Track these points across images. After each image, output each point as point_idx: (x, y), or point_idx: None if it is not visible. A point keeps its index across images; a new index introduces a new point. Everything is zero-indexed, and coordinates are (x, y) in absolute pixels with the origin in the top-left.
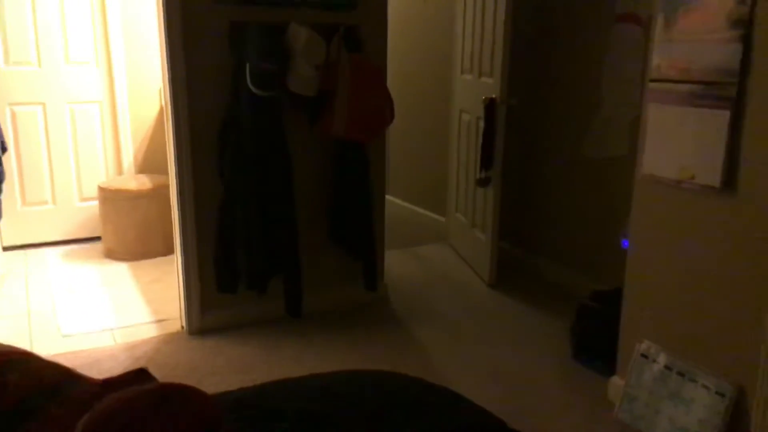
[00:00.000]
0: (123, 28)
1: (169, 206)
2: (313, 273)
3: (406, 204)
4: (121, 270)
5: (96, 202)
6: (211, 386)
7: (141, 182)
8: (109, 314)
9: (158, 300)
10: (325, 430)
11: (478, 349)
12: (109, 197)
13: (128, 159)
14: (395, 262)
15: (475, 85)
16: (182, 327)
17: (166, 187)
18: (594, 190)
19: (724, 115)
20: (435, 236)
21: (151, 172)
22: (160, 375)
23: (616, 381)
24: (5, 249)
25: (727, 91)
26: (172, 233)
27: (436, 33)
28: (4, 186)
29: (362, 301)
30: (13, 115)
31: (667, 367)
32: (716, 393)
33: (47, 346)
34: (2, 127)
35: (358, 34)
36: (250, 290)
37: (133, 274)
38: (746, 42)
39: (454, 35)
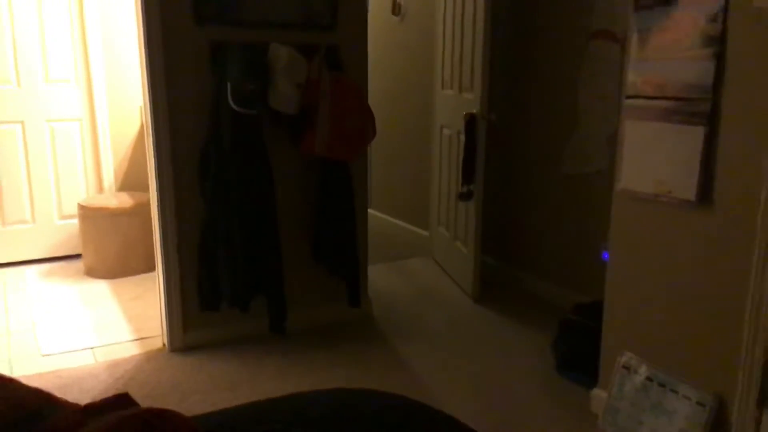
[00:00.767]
0: (103, 46)
1: (150, 224)
2: (297, 290)
3: (389, 218)
4: (101, 288)
5: (76, 220)
6: (193, 404)
7: (121, 200)
8: (89, 333)
9: (139, 318)
10: None
11: (462, 363)
12: (89, 215)
13: (109, 177)
14: (378, 277)
15: (455, 101)
16: (164, 345)
17: (147, 204)
18: (574, 204)
19: (699, 131)
20: (418, 250)
21: (132, 189)
22: (142, 393)
23: (598, 393)
24: None
25: (701, 107)
26: (152, 251)
27: (417, 49)
28: None
29: (346, 318)
30: None
31: (649, 379)
32: (697, 403)
33: (27, 366)
34: None
35: (338, 54)
36: (232, 308)
37: (114, 292)
38: (719, 59)
39: (435, 52)
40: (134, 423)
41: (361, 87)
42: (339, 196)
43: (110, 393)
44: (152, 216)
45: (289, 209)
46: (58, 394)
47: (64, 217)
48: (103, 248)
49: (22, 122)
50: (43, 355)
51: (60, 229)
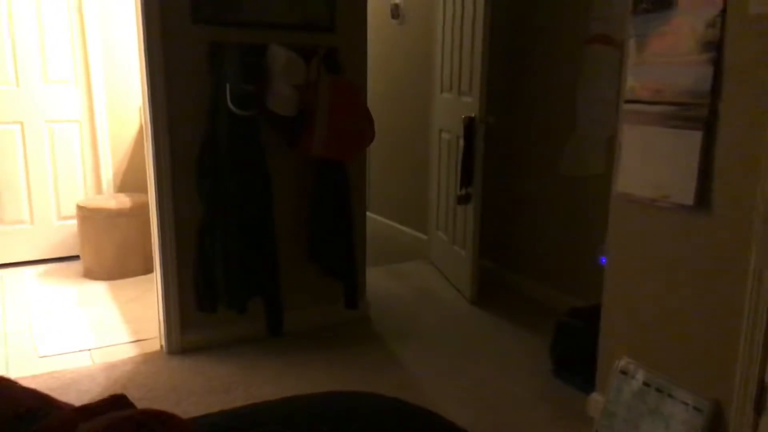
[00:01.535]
0: (102, 46)
1: (149, 225)
2: (294, 292)
3: (387, 221)
4: (99, 289)
5: (74, 221)
6: (190, 406)
7: (120, 201)
8: (87, 334)
9: (137, 319)
10: None
11: (459, 366)
12: (87, 216)
13: (107, 178)
14: (376, 280)
15: (454, 104)
16: (161, 347)
17: (146, 206)
18: (572, 208)
19: (697, 136)
20: (416, 253)
21: (131, 190)
22: (139, 395)
23: (595, 397)
24: None
25: (699, 112)
26: (151, 252)
27: (416, 52)
28: None
29: (343, 320)
30: None
31: (646, 384)
32: (694, 408)
33: (24, 367)
34: None
35: (337, 56)
36: (230, 310)
37: (111, 294)
38: (716, 64)
39: (433, 54)
40: (129, 424)
41: (360, 89)
42: (336, 198)
43: (107, 395)
44: (151, 217)
45: (286, 211)
46: (54, 395)
47: (62, 218)
48: (101, 249)
49: (21, 123)
50: (40, 357)
51: (58, 229)
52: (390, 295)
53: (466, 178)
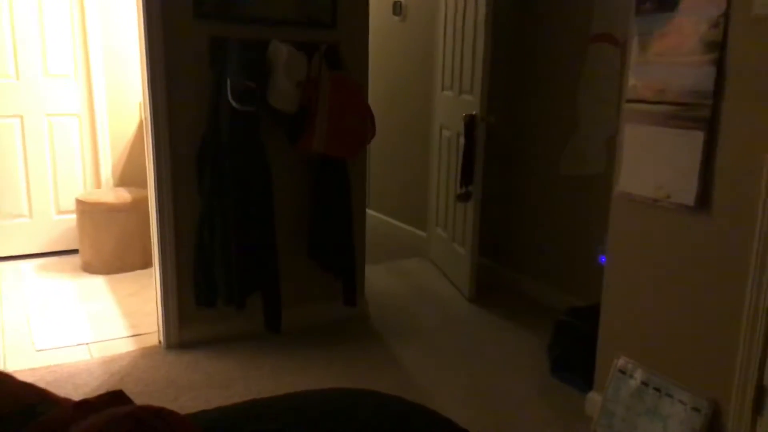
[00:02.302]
0: (103, 41)
1: (148, 220)
2: (293, 288)
3: (387, 218)
4: (98, 283)
5: (73, 215)
6: (188, 402)
7: (119, 195)
8: (85, 328)
9: (136, 314)
10: None
11: (457, 364)
12: (86, 210)
13: (107, 172)
14: (375, 277)
15: (455, 102)
16: (160, 341)
17: (145, 200)
18: (572, 207)
19: (698, 136)
20: (415, 251)
21: (130, 185)
22: (137, 390)
23: (593, 396)
24: None
25: (701, 113)
26: (150, 247)
27: (417, 49)
28: None
29: (342, 317)
30: None
31: (644, 383)
32: (692, 409)
33: (21, 361)
34: None
35: (338, 52)
36: (228, 305)
37: (110, 288)
38: (719, 65)
39: (435, 53)
40: (128, 421)
41: (361, 86)
42: (336, 195)
43: (105, 389)
44: (150, 212)
45: (286, 207)
46: (52, 389)
47: (61, 212)
48: (100, 244)
49: (21, 116)
50: (37, 350)
51: (57, 223)
52: (389, 293)
53: (467, 177)
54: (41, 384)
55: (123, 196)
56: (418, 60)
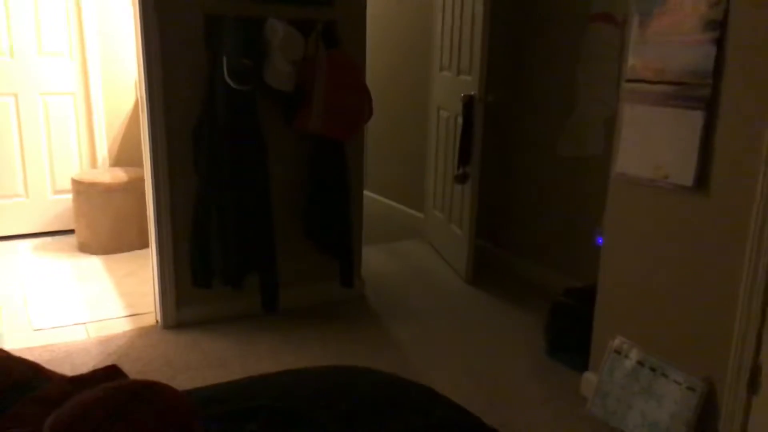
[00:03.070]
0: (98, 19)
1: (144, 199)
2: (290, 268)
3: (383, 199)
4: (94, 263)
5: (69, 195)
6: (185, 381)
7: (115, 175)
8: (82, 308)
9: (132, 294)
10: (296, 429)
11: (454, 345)
12: (82, 190)
13: (102, 152)
14: (372, 258)
15: (453, 83)
16: (157, 321)
17: (141, 180)
18: (569, 188)
19: (698, 116)
20: (412, 232)
21: (126, 165)
22: (134, 369)
23: (589, 376)
24: None
25: (700, 92)
26: (146, 227)
27: (415, 30)
28: None
29: (339, 298)
30: None
31: (640, 363)
32: (687, 388)
33: (18, 340)
34: None
35: (335, 30)
36: (225, 285)
37: (106, 268)
38: (720, 44)
39: (433, 32)
40: (123, 394)
41: (359, 65)
42: (333, 175)
43: None
44: (146, 192)
45: (282, 187)
46: (49, 368)
47: (57, 192)
48: (96, 224)
49: (15, 94)
50: (34, 330)
51: (53, 203)
52: (386, 274)
53: (464, 157)
54: (39, 363)
55: (119, 175)
56: (416, 39)
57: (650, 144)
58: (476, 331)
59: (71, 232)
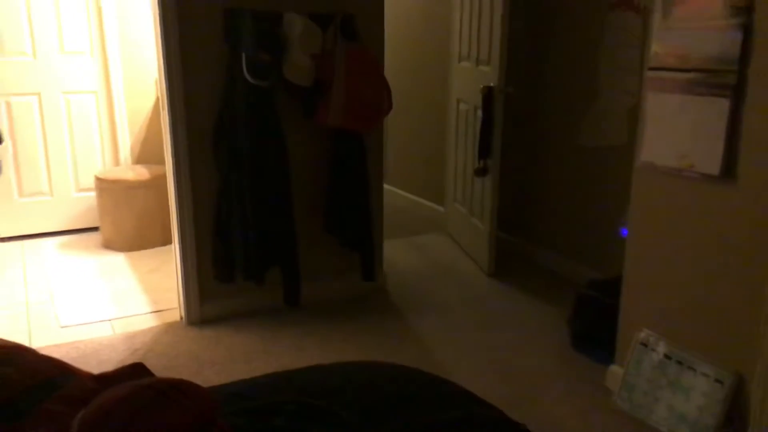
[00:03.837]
0: (118, 17)
1: (167, 196)
2: (312, 262)
3: (404, 193)
4: (118, 260)
5: (93, 193)
6: (210, 376)
7: (138, 172)
8: (107, 304)
9: (157, 290)
10: (322, 424)
11: (477, 338)
12: (106, 188)
13: (125, 149)
14: (394, 252)
15: (472, 74)
16: (181, 317)
17: (164, 177)
18: (593, 179)
19: (724, 104)
20: (433, 226)
21: (148, 162)
22: (159, 365)
23: (614, 369)
24: (2, 240)
25: (726, 80)
26: (169, 223)
27: (434, 21)
28: (2, 177)
29: (361, 291)
30: (8, 106)
31: (667, 356)
32: (715, 381)
33: (45, 337)
34: None
35: (354, 23)
36: (248, 280)
37: (131, 265)
38: (746, 30)
39: (452, 23)
40: (148, 392)
41: (377, 58)
42: (353, 169)
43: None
44: (168, 188)
45: (303, 182)
46: (76, 365)
47: (81, 190)
48: (120, 221)
49: (38, 94)
50: (61, 327)
51: (77, 201)
52: (407, 268)
53: (484, 150)
54: (66, 359)
55: (141, 173)
56: (435, 31)
57: (675, 133)
58: (499, 324)
59: (95, 229)
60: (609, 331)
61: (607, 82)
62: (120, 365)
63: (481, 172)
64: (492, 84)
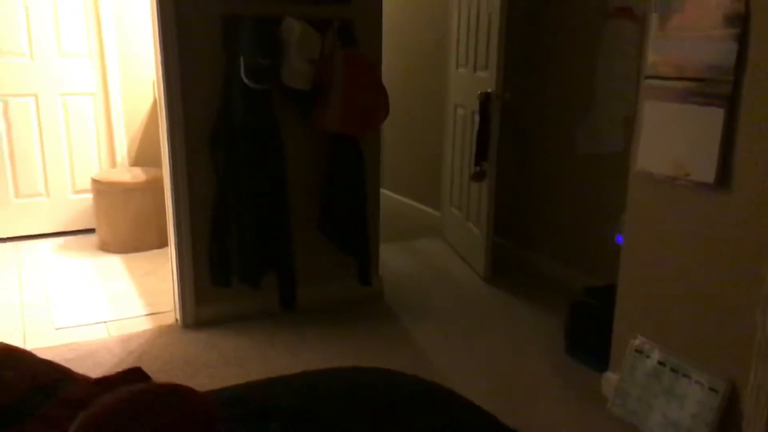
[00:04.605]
0: (116, 19)
1: (163, 199)
2: (308, 267)
3: (400, 198)
4: (114, 262)
5: (89, 195)
6: (205, 379)
7: (135, 175)
8: (103, 307)
9: (152, 293)
10: (316, 430)
11: (472, 343)
12: (102, 190)
13: (122, 151)
14: (390, 256)
15: (470, 80)
16: (176, 320)
17: (160, 179)
18: (589, 186)
19: (719, 113)
20: (430, 230)
21: (145, 164)
22: (154, 368)
23: (609, 376)
24: None
25: (722, 89)
26: (165, 226)
27: (431, 27)
28: None
29: (357, 296)
30: (5, 107)
31: (661, 363)
32: (709, 389)
33: (41, 339)
34: None
35: (352, 29)
36: (243, 284)
37: (127, 267)
38: (741, 40)
39: (449, 29)
40: (147, 397)
41: (375, 63)
42: (350, 174)
43: (123, 367)
44: (165, 191)
45: (300, 186)
46: (71, 367)
47: (77, 192)
48: (116, 223)
49: (35, 95)
50: (56, 329)
51: (73, 203)
52: (403, 272)
53: (481, 155)
54: (61, 362)
55: (138, 175)
56: (432, 36)
57: (671, 141)
58: (495, 329)
59: (91, 231)
60: (604, 338)
61: (603, 89)
62: (115, 368)
63: (477, 177)
64: (489, 90)
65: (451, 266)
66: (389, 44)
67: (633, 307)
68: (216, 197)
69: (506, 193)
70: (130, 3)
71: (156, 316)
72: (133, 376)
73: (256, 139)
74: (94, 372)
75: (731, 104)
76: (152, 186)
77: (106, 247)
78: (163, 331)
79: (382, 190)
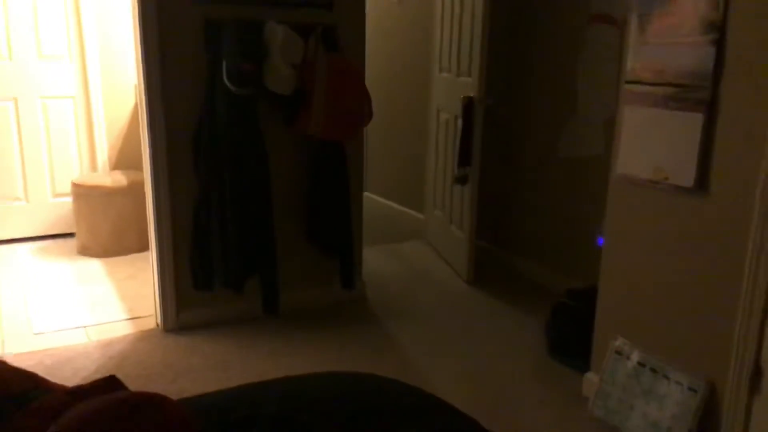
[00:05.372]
0: (97, 22)
1: (144, 203)
2: (291, 271)
3: (384, 201)
4: (95, 267)
5: (70, 199)
6: (186, 384)
7: (115, 179)
8: (82, 311)
9: (133, 297)
10: None
11: (455, 346)
12: (83, 193)
13: (102, 155)
14: (373, 259)
15: (453, 84)
16: (158, 324)
17: (141, 183)
18: (570, 189)
19: (698, 118)
20: (413, 233)
21: (126, 168)
22: (135, 373)
23: (590, 377)
24: None
25: (700, 95)
26: (146, 230)
27: (415, 32)
28: None
29: (340, 299)
30: None
31: (641, 364)
32: (689, 389)
33: (19, 344)
34: None
35: (335, 34)
36: (226, 288)
37: (107, 271)
38: (719, 46)
39: (433, 35)
40: (122, 407)
41: (359, 68)
42: (333, 177)
43: (103, 372)
44: (146, 195)
45: (283, 190)
46: (50, 372)
47: (57, 195)
48: (96, 227)
49: (15, 99)
50: (35, 334)
51: (53, 207)
52: (387, 275)
53: (464, 159)
54: (39, 367)
55: (119, 179)
56: (415, 41)
57: (650, 146)
58: (477, 332)
59: (71, 235)
60: (585, 340)
61: (584, 94)
62: (95, 373)
63: (460, 180)
64: (472, 94)
65: (434, 269)
66: (373, 48)
67: (613, 308)
68: (198, 201)
69: (489, 196)
70: (112, 5)
71: (137, 321)
72: (108, 385)
73: (238, 144)
74: (74, 378)
75: (710, 109)
76: (133, 190)
77: (86, 251)
78: (144, 336)
79: (366, 194)
